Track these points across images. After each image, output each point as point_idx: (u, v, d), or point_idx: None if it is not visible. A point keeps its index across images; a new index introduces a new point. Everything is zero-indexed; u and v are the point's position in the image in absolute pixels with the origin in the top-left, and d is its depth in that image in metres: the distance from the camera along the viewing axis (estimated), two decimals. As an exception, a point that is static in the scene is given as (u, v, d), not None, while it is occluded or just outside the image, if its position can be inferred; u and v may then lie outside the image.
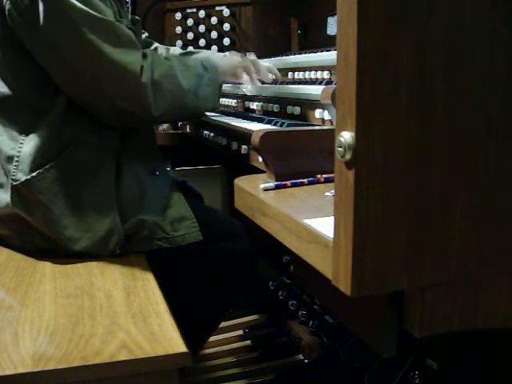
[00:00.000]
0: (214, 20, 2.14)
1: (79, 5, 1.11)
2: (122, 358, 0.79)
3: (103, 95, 1.17)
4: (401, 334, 0.64)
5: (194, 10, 2.19)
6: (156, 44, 1.73)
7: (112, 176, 1.22)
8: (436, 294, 0.59)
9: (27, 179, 1.14)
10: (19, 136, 1.18)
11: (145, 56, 1.19)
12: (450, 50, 0.54)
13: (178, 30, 2.21)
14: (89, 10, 1.12)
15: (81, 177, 1.19)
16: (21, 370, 0.75)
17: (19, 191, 1.15)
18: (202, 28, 2.15)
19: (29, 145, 1.16)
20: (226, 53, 1.58)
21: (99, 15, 1.13)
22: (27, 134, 1.17)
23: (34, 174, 1.15)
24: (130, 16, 1.38)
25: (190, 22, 2.19)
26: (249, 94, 1.67)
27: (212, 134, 1.60)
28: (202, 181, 2.03)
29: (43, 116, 1.18)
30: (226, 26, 2.11)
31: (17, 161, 1.16)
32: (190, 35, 2.19)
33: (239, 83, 1.59)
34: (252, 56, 1.59)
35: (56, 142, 1.17)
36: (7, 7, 1.12)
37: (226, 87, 1.71)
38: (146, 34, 1.72)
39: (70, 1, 1.10)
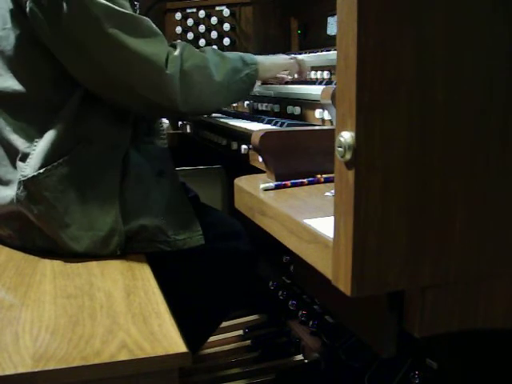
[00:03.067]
0: (213, 20, 2.14)
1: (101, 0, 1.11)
2: (122, 358, 0.79)
3: (128, 87, 1.16)
4: (401, 334, 0.64)
5: (194, 10, 2.18)
6: None
7: (118, 176, 1.21)
8: (436, 294, 0.59)
9: (34, 175, 1.14)
10: (35, 135, 1.18)
11: (174, 47, 1.20)
12: (449, 50, 0.54)
13: (178, 30, 2.21)
14: (111, 5, 1.12)
15: (87, 175, 1.19)
16: (21, 370, 0.75)
17: (26, 187, 1.15)
18: (201, 28, 2.15)
19: (43, 143, 1.16)
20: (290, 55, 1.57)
21: (121, 9, 1.13)
22: (42, 133, 1.17)
23: (41, 170, 1.14)
24: None
25: (190, 21, 2.18)
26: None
27: (212, 134, 1.60)
28: (201, 181, 2.03)
29: (57, 113, 1.17)
30: (226, 26, 2.10)
31: (30, 158, 1.16)
32: (190, 35, 2.18)
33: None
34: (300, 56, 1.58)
35: (68, 139, 1.17)
36: (29, 5, 1.11)
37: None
38: None
39: None
